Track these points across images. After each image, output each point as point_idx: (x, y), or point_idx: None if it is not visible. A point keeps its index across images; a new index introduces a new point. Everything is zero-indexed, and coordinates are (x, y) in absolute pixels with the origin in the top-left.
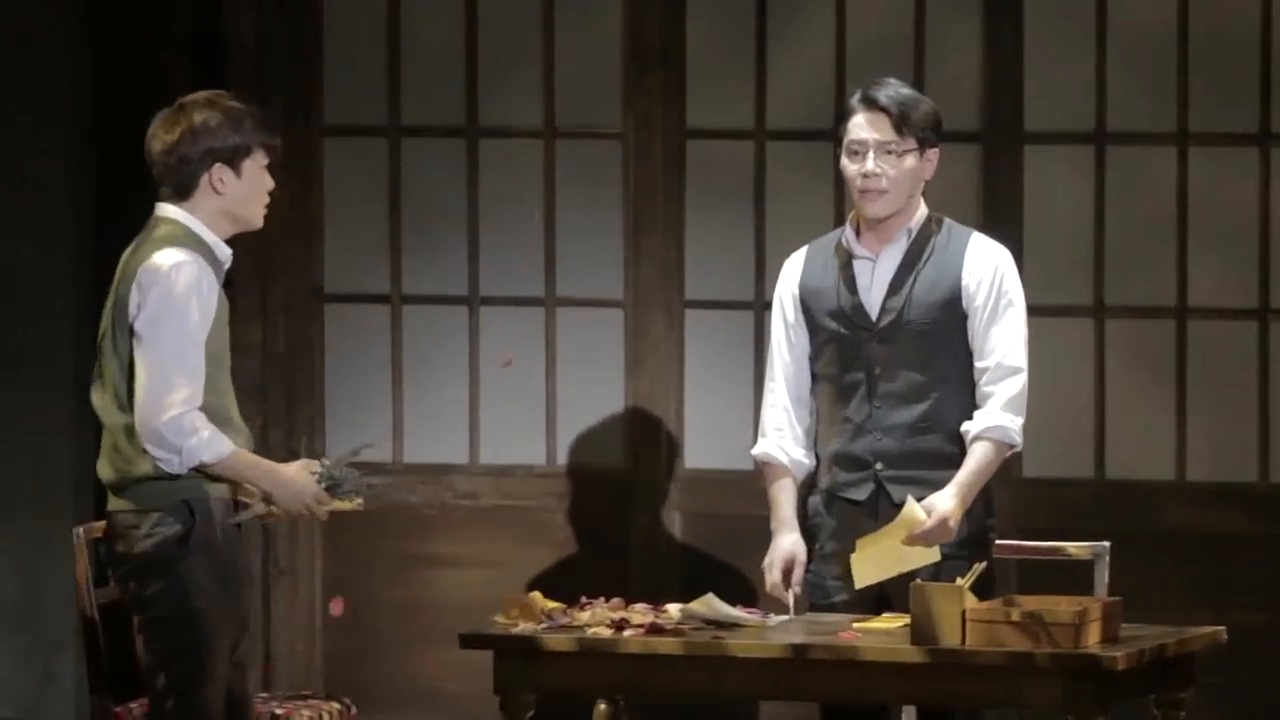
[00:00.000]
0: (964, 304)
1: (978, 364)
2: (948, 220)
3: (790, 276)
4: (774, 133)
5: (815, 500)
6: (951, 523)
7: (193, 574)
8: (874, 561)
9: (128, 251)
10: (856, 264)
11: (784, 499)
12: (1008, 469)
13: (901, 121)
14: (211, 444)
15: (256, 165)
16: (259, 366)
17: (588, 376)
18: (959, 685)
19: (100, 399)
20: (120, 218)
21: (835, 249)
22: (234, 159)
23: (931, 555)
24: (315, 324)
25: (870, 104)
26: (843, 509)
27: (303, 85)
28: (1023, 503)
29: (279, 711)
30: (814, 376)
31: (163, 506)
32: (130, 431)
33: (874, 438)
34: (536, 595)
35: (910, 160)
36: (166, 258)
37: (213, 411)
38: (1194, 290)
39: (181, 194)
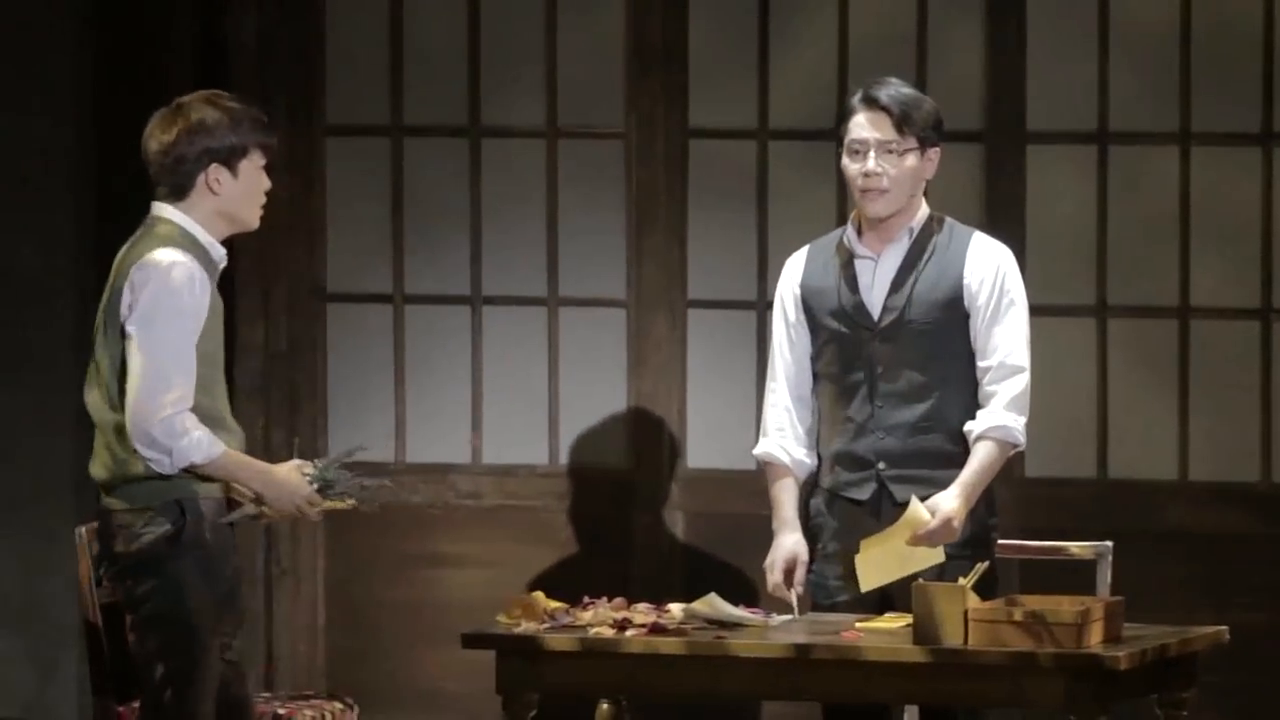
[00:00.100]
0: (966, 303)
1: (980, 363)
2: (949, 219)
3: (791, 276)
4: (776, 132)
5: (817, 500)
6: (956, 523)
7: (184, 573)
8: (879, 564)
9: (123, 250)
10: (858, 263)
11: (786, 499)
12: (1010, 468)
13: (902, 121)
14: (202, 445)
15: (253, 165)
16: (261, 366)
17: (590, 376)
18: (961, 685)
19: (92, 397)
20: (122, 218)
21: (836, 248)
22: (230, 159)
23: (936, 556)
24: (317, 324)
25: (871, 103)
26: (845, 509)
27: (305, 85)
28: (1025, 502)
29: (281, 711)
30: (815, 376)
31: (154, 506)
32: (121, 431)
33: (876, 437)
34: (539, 595)
35: (911, 159)
36: (159, 257)
37: (204, 412)
38: (1196, 290)
39: (177, 194)
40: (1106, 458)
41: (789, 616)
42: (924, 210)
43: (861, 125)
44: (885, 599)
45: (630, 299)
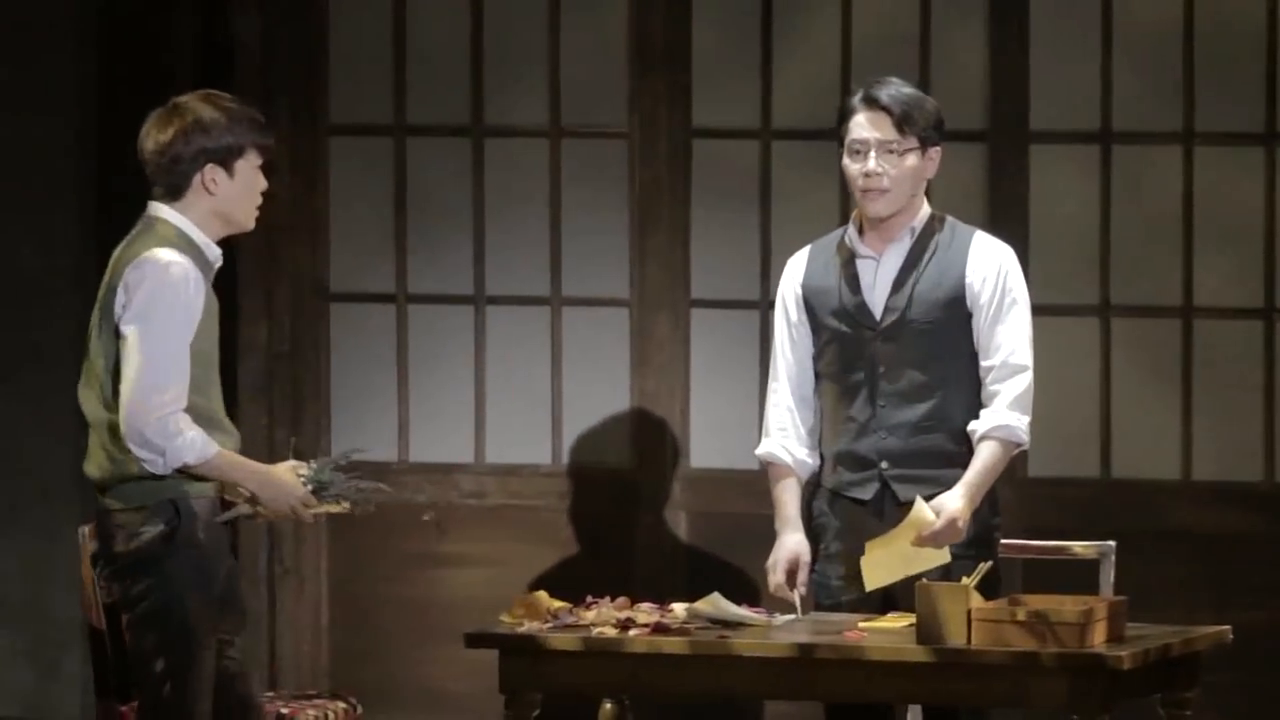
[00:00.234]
0: (968, 303)
1: (983, 363)
2: (950, 219)
3: (793, 276)
4: (779, 132)
5: (820, 500)
6: (961, 523)
7: (177, 572)
8: (884, 564)
9: (119, 249)
10: (860, 263)
11: (788, 499)
12: (1013, 468)
13: (903, 120)
14: (196, 445)
15: (250, 165)
16: (264, 366)
17: (593, 376)
18: (964, 685)
19: (87, 397)
20: (124, 219)
21: (838, 248)
22: (227, 159)
23: (941, 556)
24: (320, 323)
25: (871, 103)
26: (847, 508)
27: (307, 85)
28: (1028, 502)
29: (284, 711)
30: (817, 376)
31: (149, 505)
32: (116, 430)
33: (878, 437)
34: (542, 594)
35: (912, 159)
36: (154, 257)
37: (199, 412)
38: (1199, 289)
39: (173, 193)
40: (1109, 457)
41: (792, 616)
42: (925, 210)
43: (862, 125)
44: (888, 599)
45: (633, 298)
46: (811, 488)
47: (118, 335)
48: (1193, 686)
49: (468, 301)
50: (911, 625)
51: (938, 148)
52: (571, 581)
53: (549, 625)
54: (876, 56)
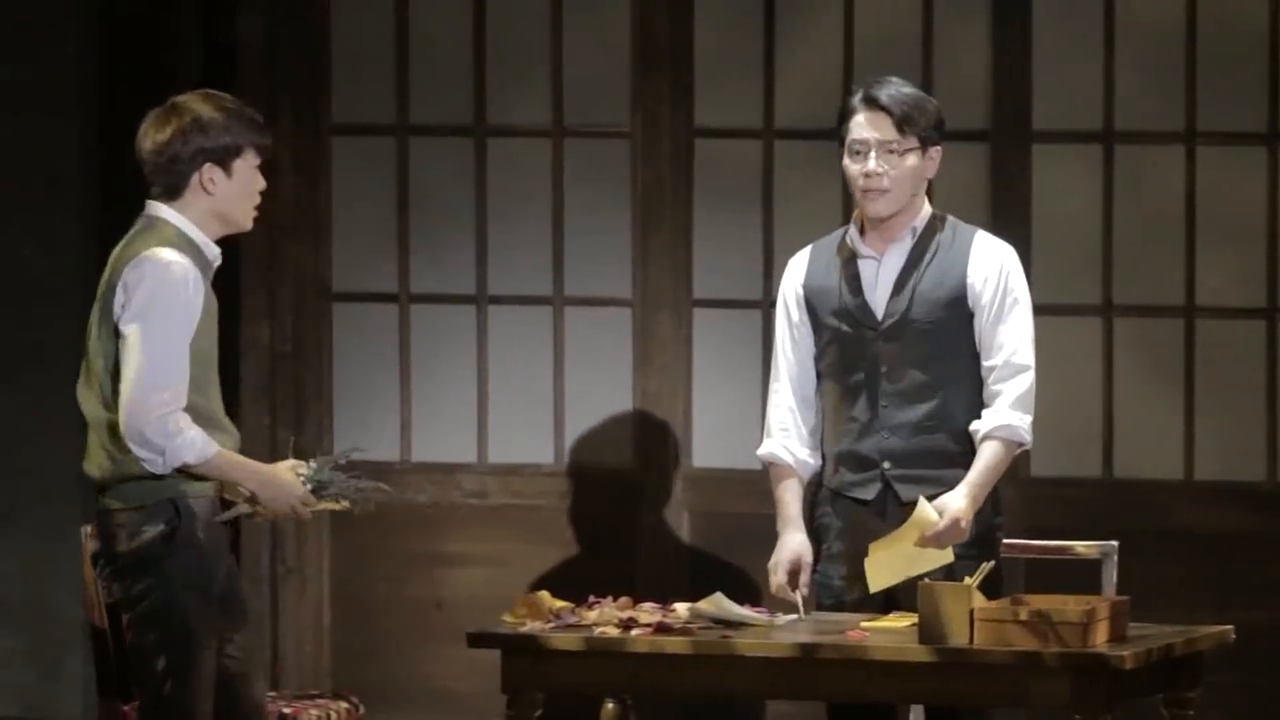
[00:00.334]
0: (970, 302)
1: (985, 362)
2: (952, 218)
3: (794, 276)
4: (782, 132)
5: (822, 500)
6: (964, 523)
7: (177, 572)
8: (888, 565)
9: (118, 248)
10: (861, 263)
11: (790, 499)
12: (1015, 468)
13: (903, 120)
14: (195, 444)
15: (248, 165)
16: (266, 365)
17: (595, 375)
18: (966, 684)
19: (86, 396)
20: (125, 218)
21: (839, 248)
22: (225, 158)
23: (945, 557)
24: (323, 323)
25: (871, 103)
26: (850, 508)
27: (310, 84)
28: (1030, 502)
29: (287, 710)
30: (819, 376)
31: (148, 505)
32: (115, 430)
33: (880, 437)
34: (544, 594)
35: (912, 159)
36: (153, 256)
37: (199, 411)
38: (1202, 289)
39: (171, 193)
40: (1112, 457)
41: (794, 616)
42: (927, 209)
43: (862, 125)
44: (890, 599)
45: (635, 298)
46: (813, 488)
47: (117, 334)
48: (1195, 686)
49: (470, 301)
50: (914, 625)
51: (938, 147)
52: (574, 581)
53: (551, 625)
54: (878, 56)
